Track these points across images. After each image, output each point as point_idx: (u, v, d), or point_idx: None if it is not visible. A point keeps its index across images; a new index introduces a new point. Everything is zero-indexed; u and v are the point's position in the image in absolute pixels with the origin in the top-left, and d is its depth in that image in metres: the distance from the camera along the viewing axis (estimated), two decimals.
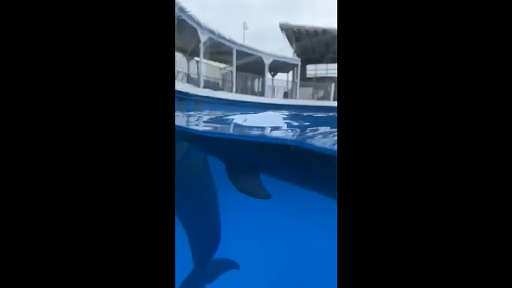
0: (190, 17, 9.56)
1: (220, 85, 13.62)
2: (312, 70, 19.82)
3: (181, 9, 9.10)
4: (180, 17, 9.10)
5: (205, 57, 11.21)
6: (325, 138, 2.10)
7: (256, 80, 14.78)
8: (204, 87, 10.87)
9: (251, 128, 2.87)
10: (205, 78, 11.52)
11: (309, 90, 16.89)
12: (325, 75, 19.16)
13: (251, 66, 14.21)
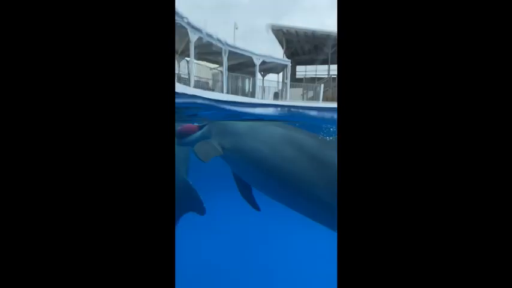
0: (180, 16, 9.46)
1: (210, 85, 13.54)
2: (302, 71, 19.98)
3: None
4: None
5: (195, 58, 11.12)
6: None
7: (247, 81, 14.76)
8: (195, 87, 10.78)
9: None
10: (195, 79, 11.43)
11: (299, 91, 17.00)
12: (314, 76, 19.35)
13: (241, 67, 14.18)
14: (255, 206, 2.33)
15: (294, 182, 1.84)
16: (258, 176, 2.02)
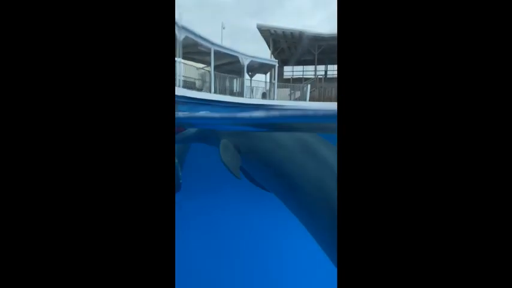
0: None
1: (198, 85, 13.41)
2: (289, 71, 20.16)
3: None
4: None
5: (182, 57, 10.98)
6: None
7: (235, 81, 14.72)
8: (182, 87, 10.65)
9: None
10: (183, 78, 11.29)
11: (286, 91, 17.13)
12: (301, 76, 19.57)
13: (229, 67, 14.13)
14: (264, 188, 2.17)
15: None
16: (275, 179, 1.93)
